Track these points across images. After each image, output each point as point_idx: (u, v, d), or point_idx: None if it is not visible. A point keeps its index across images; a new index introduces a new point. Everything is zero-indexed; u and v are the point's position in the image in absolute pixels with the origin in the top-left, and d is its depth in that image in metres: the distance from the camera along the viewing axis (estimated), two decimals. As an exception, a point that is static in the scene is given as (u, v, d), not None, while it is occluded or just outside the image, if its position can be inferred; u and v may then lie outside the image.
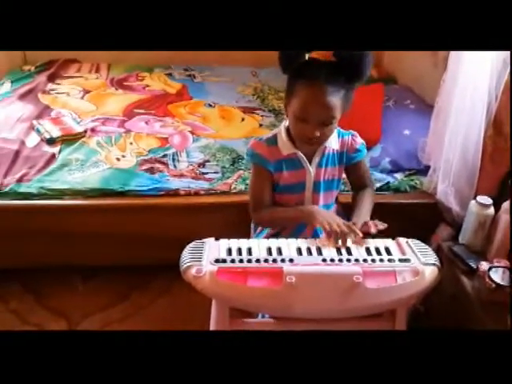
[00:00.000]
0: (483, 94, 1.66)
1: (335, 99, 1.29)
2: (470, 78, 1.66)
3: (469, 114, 1.70)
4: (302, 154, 1.43)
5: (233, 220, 1.82)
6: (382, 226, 1.33)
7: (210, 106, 2.65)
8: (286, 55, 1.31)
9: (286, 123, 1.45)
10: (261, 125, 2.48)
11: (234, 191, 1.94)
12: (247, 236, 1.57)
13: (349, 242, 1.28)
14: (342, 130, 1.48)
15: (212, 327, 1.25)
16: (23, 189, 1.86)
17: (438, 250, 1.66)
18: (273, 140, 1.45)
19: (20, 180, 1.89)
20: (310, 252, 1.25)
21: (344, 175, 1.57)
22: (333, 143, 1.45)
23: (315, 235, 1.45)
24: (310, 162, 1.44)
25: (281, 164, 1.44)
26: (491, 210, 1.57)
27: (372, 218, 1.41)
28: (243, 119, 2.54)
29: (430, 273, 1.21)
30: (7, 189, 1.84)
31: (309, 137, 1.34)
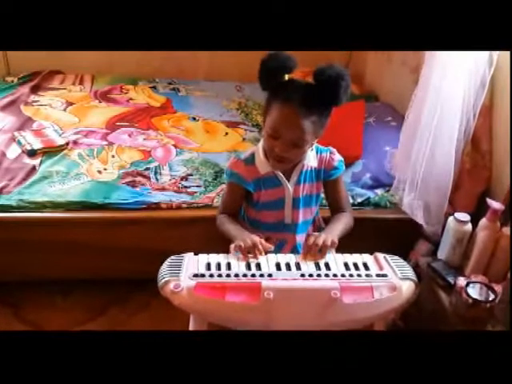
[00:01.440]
0: (457, 110, 1.69)
1: (307, 122, 1.29)
2: (442, 94, 1.69)
3: (440, 128, 1.72)
4: (279, 173, 1.44)
5: (215, 234, 1.81)
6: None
7: (194, 119, 2.66)
8: (266, 74, 1.32)
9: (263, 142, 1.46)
10: (244, 139, 2.49)
11: (217, 205, 1.93)
12: (229, 250, 1.57)
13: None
14: (320, 146, 1.49)
15: (190, 342, 1.24)
16: (2, 201, 1.84)
17: (416, 266, 1.68)
18: (251, 159, 1.45)
19: (-1, 192, 1.87)
20: (288, 267, 1.25)
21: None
22: (311, 160, 1.45)
23: (295, 251, 1.45)
24: (288, 180, 1.45)
25: (259, 182, 1.45)
26: (469, 227, 1.59)
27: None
28: (227, 133, 2.55)
29: (407, 288, 1.22)
30: (-14, 201, 1.82)
31: (278, 155, 1.34)
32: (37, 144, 2.17)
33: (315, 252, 1.28)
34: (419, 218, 1.84)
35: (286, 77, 1.32)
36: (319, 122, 1.33)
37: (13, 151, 2.15)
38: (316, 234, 1.35)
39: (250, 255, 1.27)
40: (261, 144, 1.45)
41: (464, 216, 1.60)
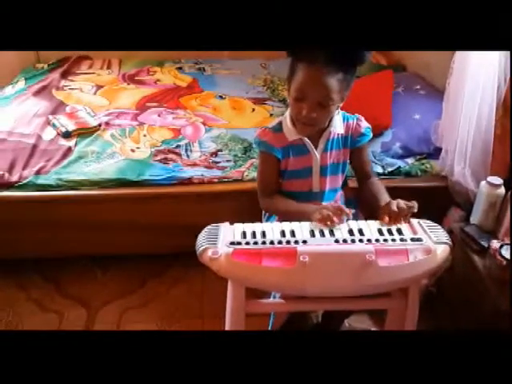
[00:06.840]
0: (493, 76, 1.66)
1: (332, 80, 1.29)
2: (481, 58, 1.67)
3: (480, 95, 1.70)
4: (307, 140, 1.45)
5: (246, 207, 1.83)
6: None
7: (221, 97, 2.68)
8: None
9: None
10: (271, 114, 2.50)
11: (247, 179, 1.97)
12: (260, 222, 1.59)
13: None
14: (347, 113, 1.50)
15: (228, 308, 1.27)
16: (41, 181, 1.91)
17: (449, 233, 1.67)
18: (278, 127, 1.47)
19: (38, 172, 1.94)
20: (322, 234, 1.27)
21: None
22: (337, 127, 1.46)
23: None
24: (316, 147, 1.46)
25: (287, 150, 1.46)
26: (501, 190, 1.58)
27: None
28: (254, 109, 2.56)
29: (441, 251, 1.22)
30: (26, 181, 1.90)
31: (305, 117, 1.34)
32: (71, 126, 2.23)
33: (406, 216, 1.29)
34: (473, 186, 1.81)
35: None
36: (344, 80, 1.32)
37: (48, 134, 2.22)
38: (394, 201, 1.33)
39: (335, 220, 1.27)
40: (288, 112, 1.46)
41: (497, 179, 1.58)
